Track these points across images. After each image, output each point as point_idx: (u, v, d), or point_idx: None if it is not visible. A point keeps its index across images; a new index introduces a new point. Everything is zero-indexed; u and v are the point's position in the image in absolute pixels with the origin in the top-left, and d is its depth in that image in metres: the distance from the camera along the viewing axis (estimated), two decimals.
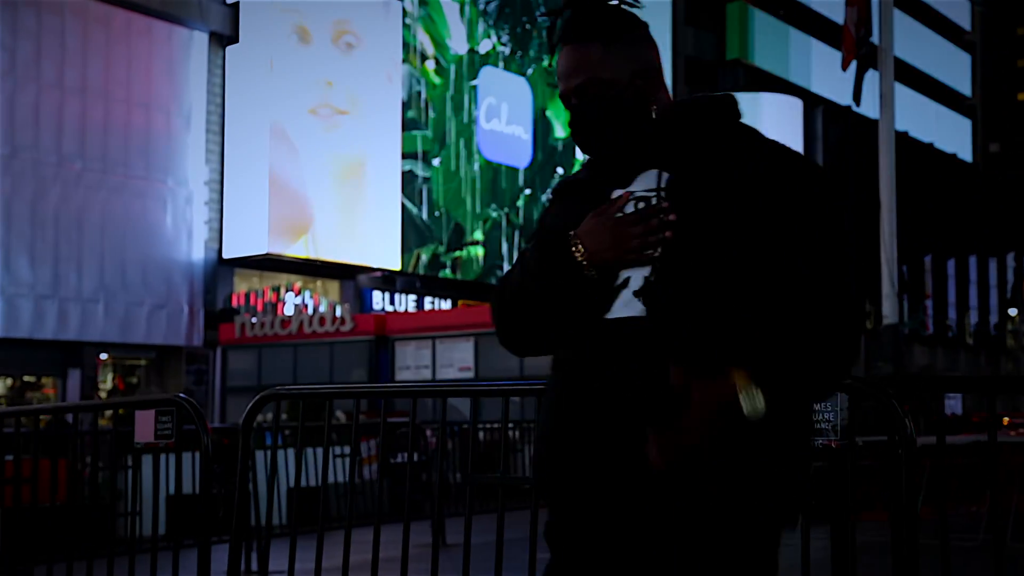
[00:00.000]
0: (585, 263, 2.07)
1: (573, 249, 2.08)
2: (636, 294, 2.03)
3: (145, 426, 4.10)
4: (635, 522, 1.97)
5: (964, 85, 56.70)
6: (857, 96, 14.25)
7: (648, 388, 1.94)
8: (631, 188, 2.14)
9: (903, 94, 54.39)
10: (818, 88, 47.04)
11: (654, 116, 2.16)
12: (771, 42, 45.96)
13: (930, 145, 50.73)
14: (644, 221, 2.04)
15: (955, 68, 55.89)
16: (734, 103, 2.23)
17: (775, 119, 40.96)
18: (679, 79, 44.00)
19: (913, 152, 48.96)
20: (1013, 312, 51.12)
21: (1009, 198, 54.73)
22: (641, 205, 2.09)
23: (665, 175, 2.09)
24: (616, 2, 2.15)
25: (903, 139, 48.85)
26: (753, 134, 2.17)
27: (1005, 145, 69.31)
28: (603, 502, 1.99)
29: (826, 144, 43.08)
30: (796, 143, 41.54)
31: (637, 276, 2.05)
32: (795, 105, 42.07)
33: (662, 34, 43.94)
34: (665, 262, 2.03)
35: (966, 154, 54.38)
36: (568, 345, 2.10)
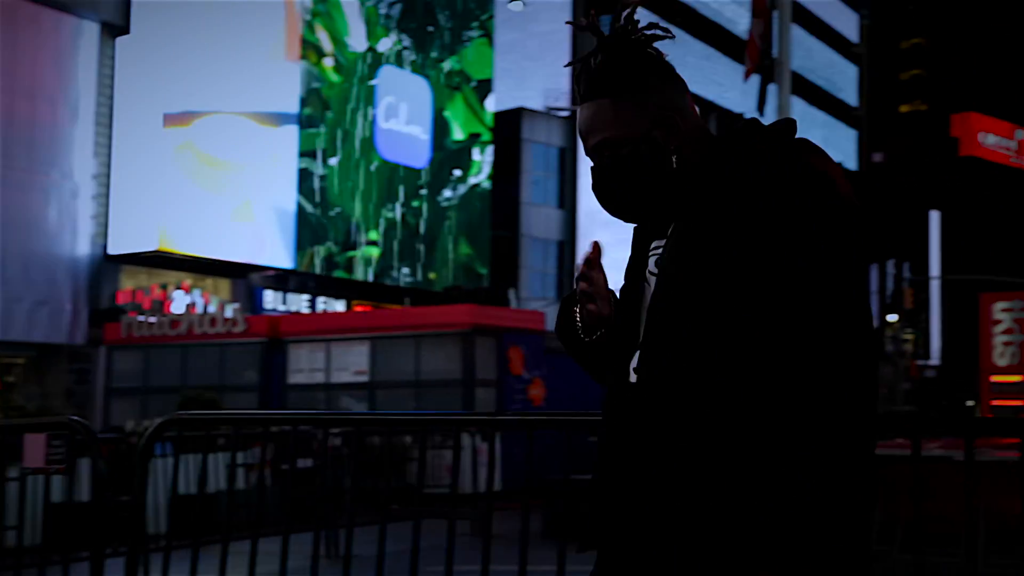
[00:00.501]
0: (579, 326, 2.11)
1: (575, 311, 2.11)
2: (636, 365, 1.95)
3: (35, 451, 3.87)
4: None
5: (851, 96, 58.23)
6: (761, 106, 14.47)
7: (628, 463, 1.91)
8: (659, 244, 2.06)
9: (794, 104, 55.63)
10: (712, 95, 47.83)
11: (675, 166, 1.99)
12: (668, 49, 46.49)
13: None
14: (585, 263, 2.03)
15: (843, 79, 57.37)
16: (742, 144, 1.97)
17: None
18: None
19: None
20: (893, 318, 52.62)
21: (890, 207, 56.37)
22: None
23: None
24: (635, 37, 2.07)
25: None
26: (761, 186, 1.88)
27: (888, 155, 71.35)
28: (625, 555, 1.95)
29: None
30: None
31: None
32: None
33: (561, 38, 44.19)
34: (653, 331, 1.92)
35: (851, 163, 55.86)
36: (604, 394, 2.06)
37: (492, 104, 39.17)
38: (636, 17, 2.10)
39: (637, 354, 1.95)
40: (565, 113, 42.51)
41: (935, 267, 59.31)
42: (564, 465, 4.17)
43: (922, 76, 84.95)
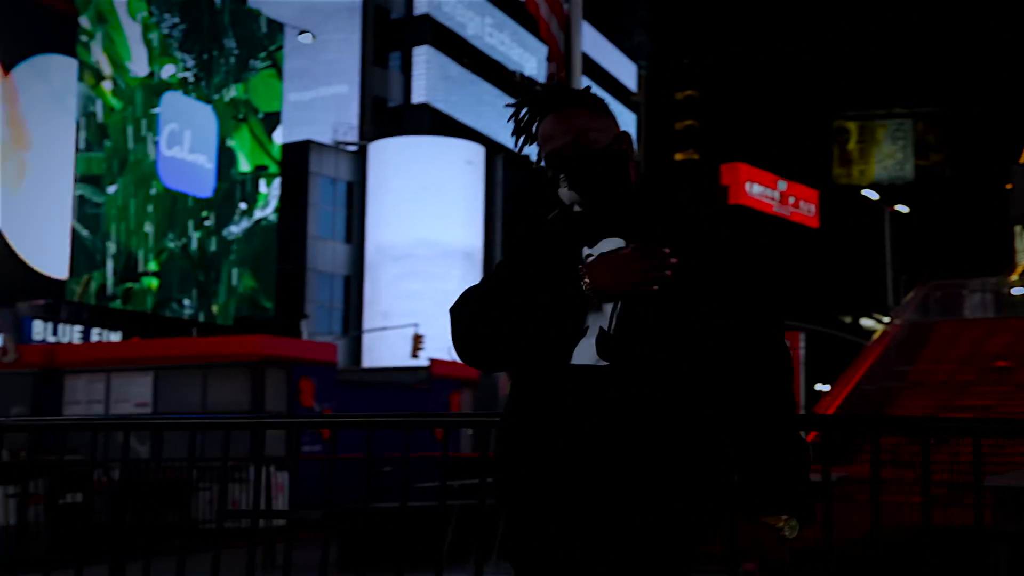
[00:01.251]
0: (589, 291, 2.32)
1: (584, 279, 2.33)
2: (599, 347, 2.29)
3: None
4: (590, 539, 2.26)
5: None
6: None
7: (604, 436, 2.24)
8: (597, 249, 2.39)
9: None
10: (499, 136, 48.76)
11: (633, 181, 2.45)
12: (456, 88, 47.20)
13: None
14: (647, 258, 2.29)
15: (623, 126, 59.46)
16: (684, 182, 2.54)
17: (460, 164, 41.99)
18: (366, 119, 44.33)
19: None
20: None
21: None
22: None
23: (628, 244, 2.36)
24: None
25: None
26: (711, 218, 2.42)
27: None
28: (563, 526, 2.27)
29: (505, 190, 44.56)
30: (478, 188, 42.81)
31: (595, 326, 2.31)
32: (478, 151, 43.30)
33: (351, 73, 44.12)
34: (622, 318, 2.30)
35: None
36: (531, 382, 2.35)
37: (280, 136, 38.68)
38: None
39: (592, 341, 2.30)
40: (353, 148, 42.43)
41: None
42: (362, 494, 4.17)
43: (694, 127, 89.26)
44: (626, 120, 60.38)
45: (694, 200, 2.42)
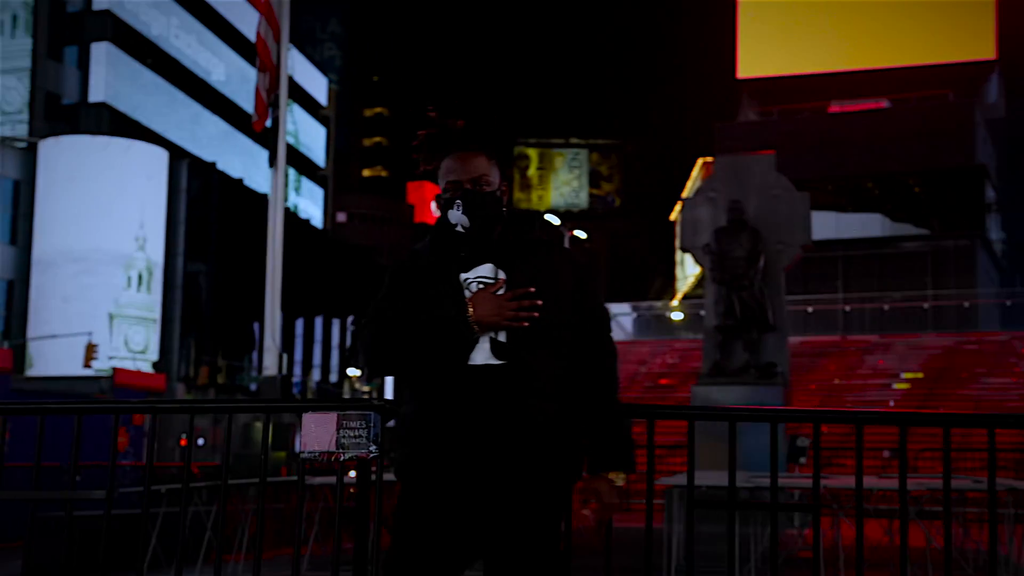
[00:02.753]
0: (474, 323, 2.96)
1: (470, 310, 2.97)
2: (494, 350, 2.97)
3: None
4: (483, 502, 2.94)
5: (319, 156, 60.11)
6: (273, 159, 14.68)
7: (502, 417, 2.93)
8: (473, 274, 3.05)
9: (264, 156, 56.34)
10: (183, 142, 47.16)
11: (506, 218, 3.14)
12: (138, 89, 45.29)
13: (288, 209, 53.02)
14: (520, 299, 2.97)
15: (312, 140, 59.14)
16: (537, 220, 3.34)
17: (141, 168, 40.27)
18: (37, 115, 41.68)
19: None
20: (353, 372, 54.66)
21: (351, 265, 58.76)
22: (482, 286, 3.03)
23: (500, 271, 3.05)
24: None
25: (264, 201, 50.49)
26: (557, 246, 3.17)
27: (350, 215, 74.45)
28: (463, 489, 2.93)
29: (189, 196, 43.17)
30: (160, 193, 41.23)
31: (486, 339, 2.98)
32: (161, 156, 41.72)
33: (22, 60, 41.40)
34: (510, 332, 2.98)
35: (318, 220, 57.54)
36: (434, 382, 2.98)
37: None
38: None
39: (486, 346, 2.98)
40: (22, 144, 39.78)
41: None
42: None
43: (383, 144, 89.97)
44: (315, 134, 60.00)
45: (544, 233, 3.17)
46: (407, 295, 3.05)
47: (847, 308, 34.34)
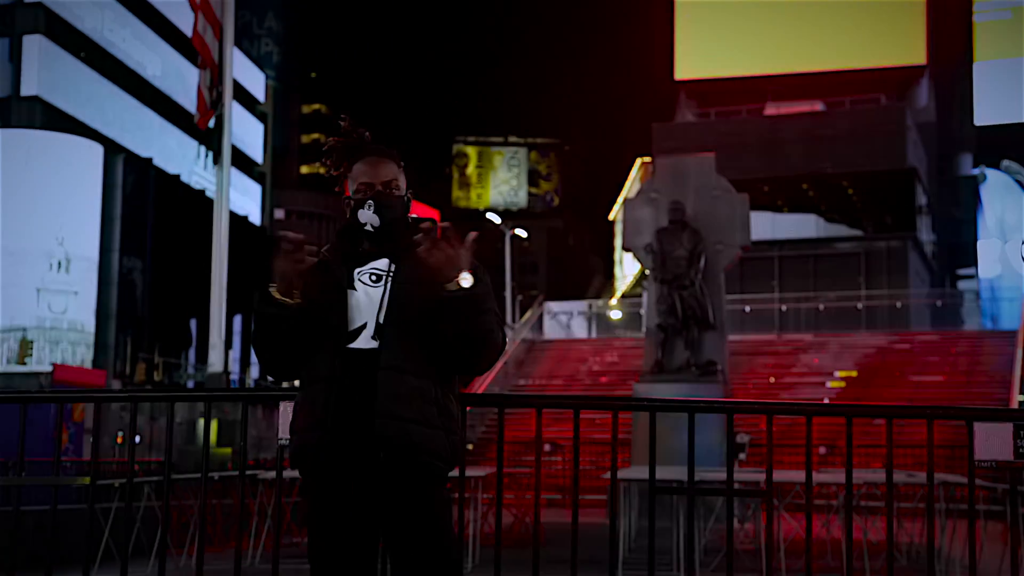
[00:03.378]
0: (277, 296, 3.26)
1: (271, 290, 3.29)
2: (373, 336, 3.22)
3: None
4: (373, 485, 3.13)
5: (257, 153, 59.61)
6: (217, 157, 14.63)
7: (380, 386, 3.15)
8: (368, 267, 3.31)
9: (201, 154, 55.80)
10: (119, 137, 46.50)
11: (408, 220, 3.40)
12: (72, 83, 44.59)
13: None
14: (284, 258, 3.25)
15: (250, 136, 58.57)
16: (407, 206, 3.45)
17: (75, 162, 39.69)
18: None
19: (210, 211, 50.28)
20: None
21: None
22: (374, 277, 3.30)
23: (392, 264, 3.32)
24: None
25: (201, 197, 50.03)
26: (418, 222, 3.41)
27: (288, 212, 73.91)
28: (350, 469, 3.14)
29: (125, 193, 42.62)
30: (95, 188, 40.68)
31: (371, 324, 3.23)
32: (95, 150, 41.14)
33: None
34: (388, 317, 3.23)
35: (256, 217, 57.06)
36: (321, 365, 3.22)
37: None
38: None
39: (368, 328, 3.23)
40: None
41: None
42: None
43: (321, 141, 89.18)
44: (253, 130, 59.47)
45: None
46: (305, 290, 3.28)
47: (783, 308, 34.89)
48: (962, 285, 46.83)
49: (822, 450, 16.89)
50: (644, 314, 16.14)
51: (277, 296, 3.22)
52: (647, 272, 16.11)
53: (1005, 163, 48.24)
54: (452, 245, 3.14)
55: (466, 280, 3.16)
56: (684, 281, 15.12)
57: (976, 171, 49.27)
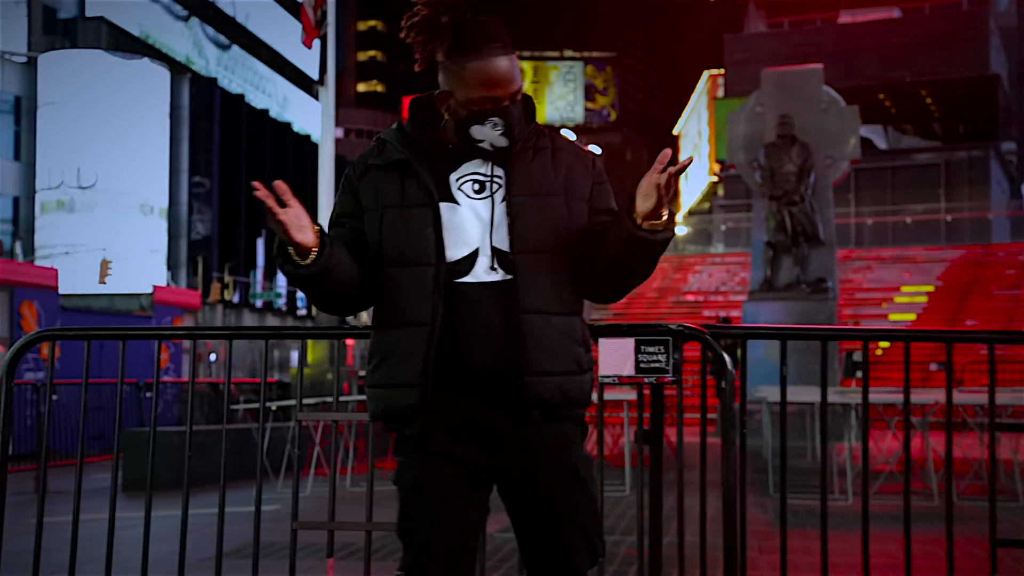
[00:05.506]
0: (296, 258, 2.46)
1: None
2: (492, 266, 2.49)
3: None
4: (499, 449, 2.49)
5: (313, 70, 59.29)
6: (323, 76, 14.50)
7: (526, 335, 2.46)
8: (464, 171, 2.54)
9: (262, 73, 55.59)
10: (182, 55, 46.44)
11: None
12: (136, 6, 44.44)
13: (286, 125, 52.58)
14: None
15: (306, 54, 58.15)
16: (534, 106, 2.62)
17: (142, 84, 39.71)
18: (35, 29, 40.90)
19: (272, 130, 50.30)
20: None
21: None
22: (476, 186, 2.53)
23: (496, 167, 2.54)
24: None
25: (265, 116, 49.96)
26: (554, 134, 2.66)
27: (347, 131, 73.75)
28: (485, 433, 2.49)
29: (191, 113, 42.69)
30: (163, 109, 40.75)
31: (484, 249, 2.50)
32: (163, 74, 41.13)
33: None
34: (516, 241, 2.50)
35: (317, 137, 56.99)
36: (412, 303, 2.49)
37: None
38: None
39: (482, 254, 2.50)
40: (22, 59, 39.09)
41: None
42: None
43: (378, 59, 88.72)
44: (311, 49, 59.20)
45: (548, 130, 2.68)
46: (371, 205, 2.58)
47: (869, 222, 34.33)
48: None
49: (933, 367, 16.66)
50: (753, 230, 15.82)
51: (290, 252, 2.46)
52: (719, 190, 15.78)
53: None
54: (673, 177, 2.41)
55: (670, 219, 2.47)
56: (794, 197, 14.80)
57: None
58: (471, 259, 2.49)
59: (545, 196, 2.53)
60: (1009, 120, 41.33)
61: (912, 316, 26.22)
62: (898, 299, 27.34)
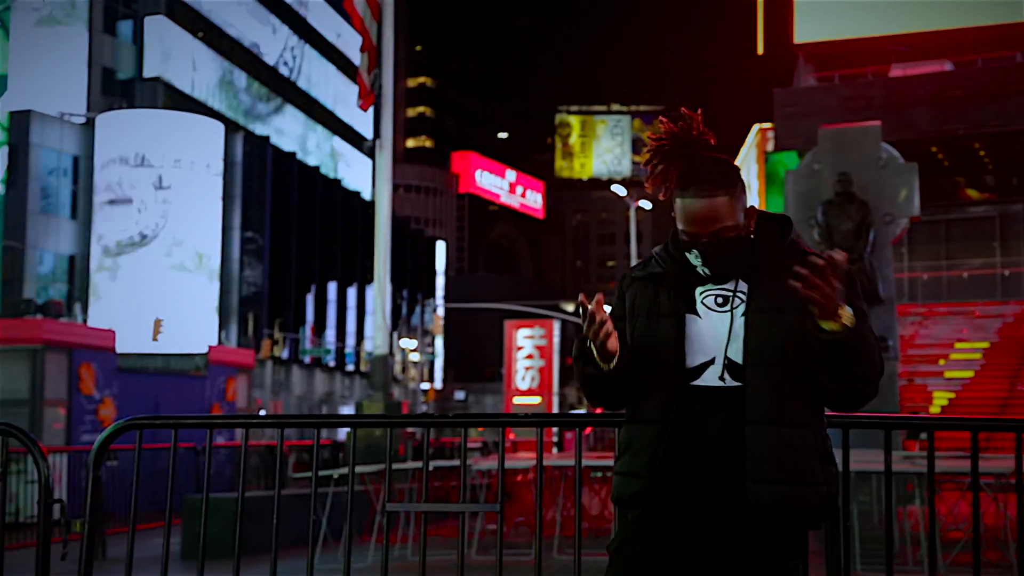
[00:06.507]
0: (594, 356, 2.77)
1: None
2: (721, 376, 2.72)
3: None
4: (720, 546, 2.69)
5: (367, 128, 59.96)
6: (377, 132, 14.67)
7: (750, 444, 2.65)
8: (711, 287, 2.79)
9: (313, 130, 56.32)
10: (234, 114, 47.16)
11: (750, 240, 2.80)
12: (190, 63, 45.26)
13: (336, 182, 53.10)
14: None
15: (360, 112, 58.81)
16: (791, 225, 2.85)
17: (196, 139, 40.32)
18: (94, 90, 41.74)
19: (323, 187, 50.81)
20: (407, 344, 54.72)
21: (396, 235, 58.80)
22: (720, 300, 2.77)
23: (742, 283, 2.77)
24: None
25: (316, 173, 50.54)
26: (806, 249, 2.80)
27: (395, 186, 74.36)
28: (701, 528, 2.69)
29: (245, 170, 43.23)
30: (216, 164, 41.34)
31: (719, 359, 2.73)
32: (216, 128, 41.76)
33: (78, 39, 41.46)
34: (748, 353, 2.70)
35: (367, 192, 57.45)
36: (650, 403, 2.76)
37: (1, 103, 35.81)
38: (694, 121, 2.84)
39: (717, 364, 2.72)
40: (80, 120, 39.87)
41: (440, 294, 62.55)
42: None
43: (427, 114, 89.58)
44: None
45: (799, 246, 2.84)
46: (627, 313, 2.84)
47: (925, 276, 33.91)
48: None
49: None
50: None
51: (594, 355, 2.74)
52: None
53: None
54: (834, 277, 2.50)
55: (847, 319, 2.54)
56: (852, 255, 14.59)
57: None
58: (705, 366, 2.73)
59: (782, 311, 2.68)
60: None
61: (970, 373, 25.76)
62: (954, 356, 26.88)
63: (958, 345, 27.32)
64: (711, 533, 2.67)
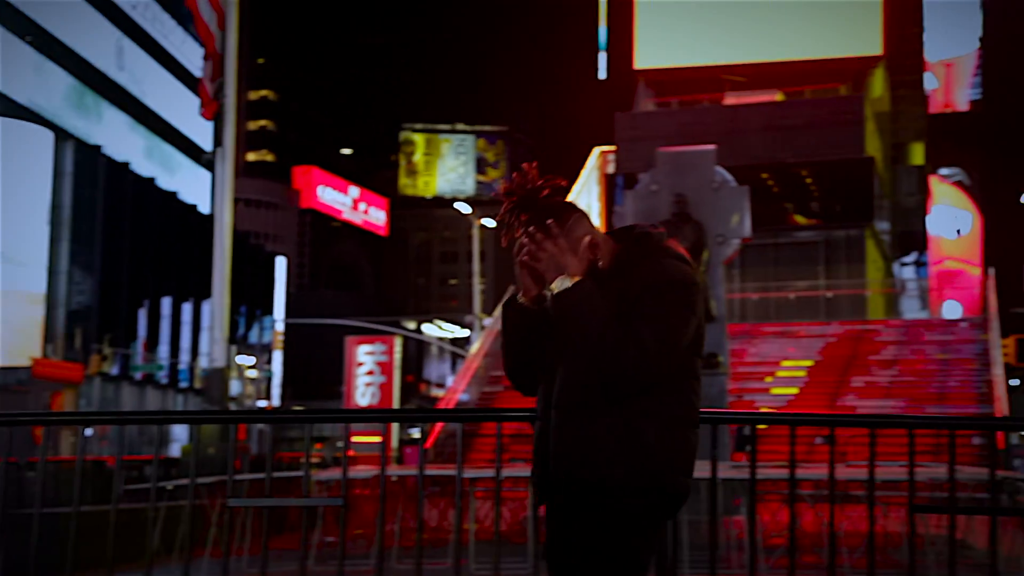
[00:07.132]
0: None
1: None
2: None
3: None
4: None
5: (206, 141, 58.73)
6: (219, 142, 14.36)
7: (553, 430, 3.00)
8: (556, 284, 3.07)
9: (148, 139, 54.84)
10: (66, 122, 45.53)
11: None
12: (19, 68, 43.54)
13: (171, 194, 51.78)
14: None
15: (199, 124, 57.63)
16: (633, 228, 3.20)
17: (23, 149, 38.77)
18: None
19: (158, 199, 49.50)
20: (244, 360, 53.64)
21: (237, 250, 57.62)
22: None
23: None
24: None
25: (150, 185, 49.20)
26: (646, 259, 3.07)
27: (236, 199, 72.97)
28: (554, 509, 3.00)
29: (75, 180, 41.77)
30: (46, 174, 39.80)
31: None
32: (46, 137, 40.24)
33: None
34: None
35: (205, 206, 56.16)
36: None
37: None
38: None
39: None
40: None
41: (279, 310, 61.55)
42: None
43: (268, 128, 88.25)
44: (202, 119, 58.52)
45: (639, 247, 3.11)
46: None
47: (755, 297, 35.15)
48: (908, 273, 47.76)
49: (817, 440, 17.00)
50: None
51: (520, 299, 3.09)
52: None
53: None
54: (545, 246, 2.96)
55: (556, 286, 2.93)
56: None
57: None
58: None
59: (596, 309, 3.02)
60: (882, 200, 43.00)
61: (794, 390, 26.81)
62: (780, 373, 27.93)
63: (784, 363, 28.38)
64: (557, 511, 2.96)
